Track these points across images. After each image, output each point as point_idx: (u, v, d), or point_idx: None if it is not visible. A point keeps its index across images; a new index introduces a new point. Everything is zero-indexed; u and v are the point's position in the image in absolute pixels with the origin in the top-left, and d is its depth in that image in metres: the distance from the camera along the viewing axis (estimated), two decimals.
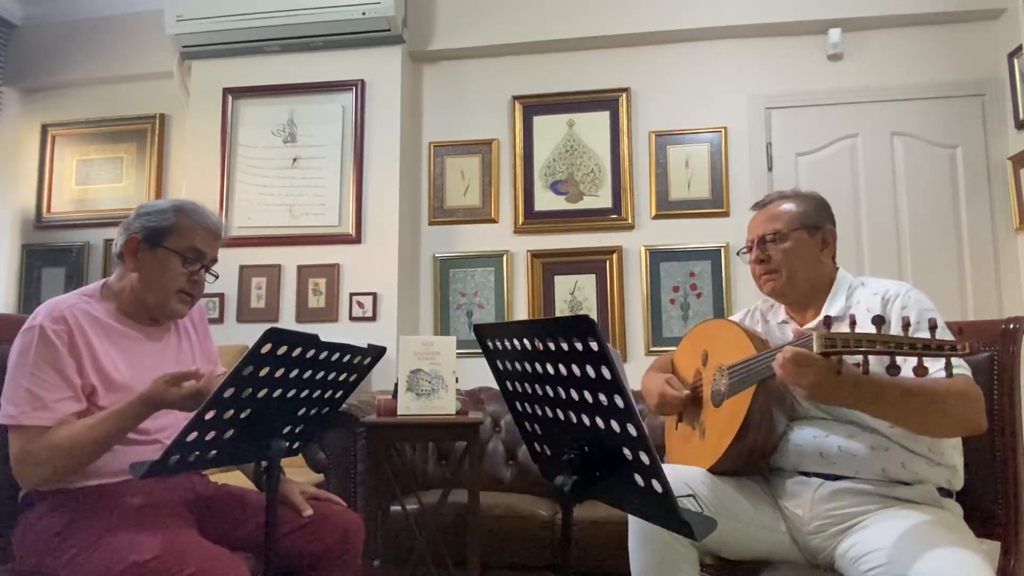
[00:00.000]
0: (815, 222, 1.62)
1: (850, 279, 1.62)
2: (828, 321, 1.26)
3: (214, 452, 1.31)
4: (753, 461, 1.56)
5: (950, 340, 1.16)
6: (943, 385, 1.30)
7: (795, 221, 1.61)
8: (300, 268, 3.42)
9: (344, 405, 1.69)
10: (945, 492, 1.44)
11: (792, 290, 1.61)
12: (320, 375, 1.40)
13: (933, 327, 1.16)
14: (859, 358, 1.19)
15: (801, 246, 1.60)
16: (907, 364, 1.20)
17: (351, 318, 3.36)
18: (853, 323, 1.22)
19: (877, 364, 1.28)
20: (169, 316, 1.61)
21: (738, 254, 1.78)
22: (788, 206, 1.65)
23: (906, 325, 1.18)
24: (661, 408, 1.74)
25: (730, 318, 1.82)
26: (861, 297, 1.55)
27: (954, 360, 1.18)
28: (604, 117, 3.53)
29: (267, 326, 1.21)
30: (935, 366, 1.30)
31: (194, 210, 1.61)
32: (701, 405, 1.67)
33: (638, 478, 1.04)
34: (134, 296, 1.56)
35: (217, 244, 1.65)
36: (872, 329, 1.19)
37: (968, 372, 1.38)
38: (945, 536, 1.26)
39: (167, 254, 1.55)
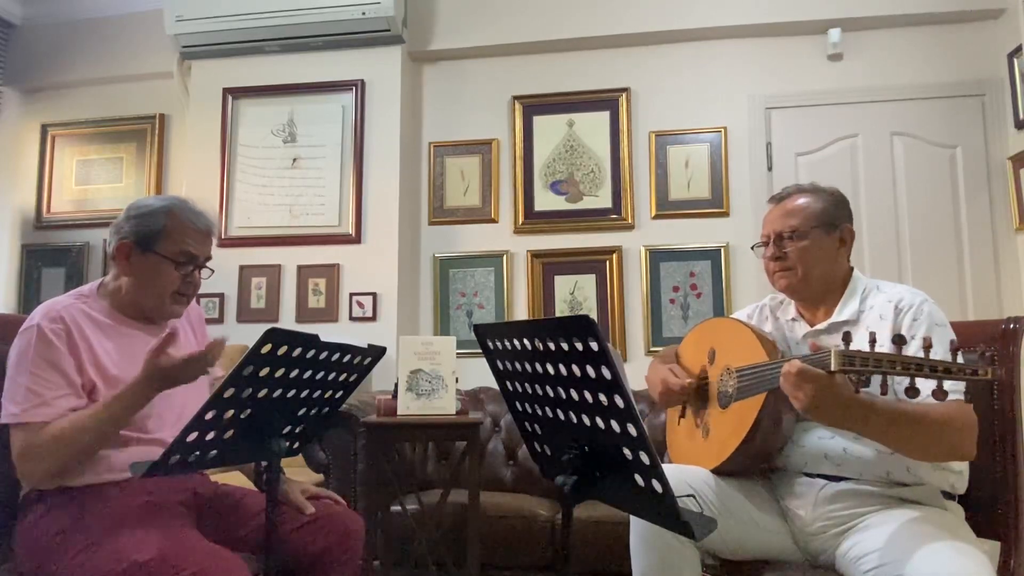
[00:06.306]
0: (833, 219, 1.60)
1: (864, 281, 1.60)
2: (848, 337, 1.25)
3: (214, 452, 1.31)
4: (757, 463, 1.56)
5: (971, 365, 1.15)
6: (939, 414, 1.30)
7: (813, 218, 1.59)
8: (300, 268, 3.42)
9: (344, 405, 1.68)
10: (948, 495, 1.44)
11: (806, 288, 1.60)
12: (320, 375, 1.40)
13: (955, 350, 1.16)
14: (878, 381, 1.18)
15: (818, 244, 1.58)
16: (926, 386, 1.19)
17: (351, 318, 3.36)
18: (873, 341, 1.20)
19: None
20: (165, 316, 1.61)
21: (752, 248, 1.76)
22: (806, 201, 1.61)
23: (927, 347, 1.17)
24: (665, 399, 1.72)
25: (737, 314, 1.80)
26: (875, 302, 1.53)
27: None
28: (604, 117, 3.53)
29: (267, 326, 1.22)
30: (955, 389, 1.28)
31: (185, 211, 1.57)
32: (706, 403, 1.66)
33: (638, 478, 1.04)
34: (129, 297, 1.56)
35: (209, 242, 1.62)
36: (892, 348, 1.18)
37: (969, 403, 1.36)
38: (945, 535, 1.26)
39: (159, 259, 1.53)
